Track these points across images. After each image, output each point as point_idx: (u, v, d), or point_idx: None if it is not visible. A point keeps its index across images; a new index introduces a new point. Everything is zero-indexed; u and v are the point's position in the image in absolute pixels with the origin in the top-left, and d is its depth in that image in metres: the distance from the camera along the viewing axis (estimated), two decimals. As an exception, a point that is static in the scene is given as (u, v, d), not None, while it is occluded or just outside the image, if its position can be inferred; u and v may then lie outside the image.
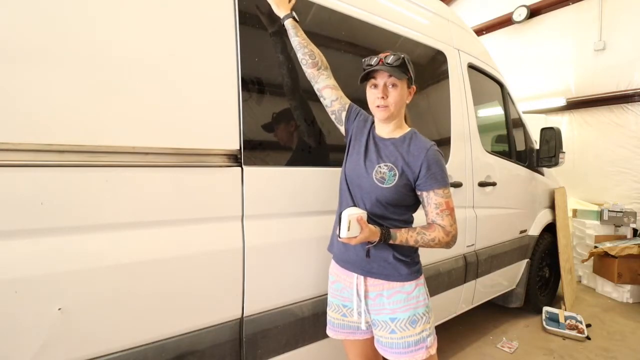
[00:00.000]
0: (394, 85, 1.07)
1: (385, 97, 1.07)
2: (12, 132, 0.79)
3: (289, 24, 1.23)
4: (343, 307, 1.20)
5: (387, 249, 1.09)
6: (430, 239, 1.05)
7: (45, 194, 0.82)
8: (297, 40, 1.23)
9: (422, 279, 1.15)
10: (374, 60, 1.07)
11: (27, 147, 0.80)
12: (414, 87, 1.13)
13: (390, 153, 1.11)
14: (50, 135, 0.83)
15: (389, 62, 1.05)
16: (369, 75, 1.09)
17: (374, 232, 1.02)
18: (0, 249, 0.78)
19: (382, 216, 1.10)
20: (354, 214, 0.99)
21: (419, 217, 1.17)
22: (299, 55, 1.24)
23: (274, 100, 1.28)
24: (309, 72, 1.25)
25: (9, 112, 0.78)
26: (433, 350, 1.10)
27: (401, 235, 1.06)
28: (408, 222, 1.14)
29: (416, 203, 1.13)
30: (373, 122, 1.19)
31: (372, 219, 1.09)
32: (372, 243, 1.05)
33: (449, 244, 1.08)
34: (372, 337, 1.19)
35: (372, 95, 1.10)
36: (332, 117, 1.26)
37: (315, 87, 1.26)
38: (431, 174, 1.05)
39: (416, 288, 1.11)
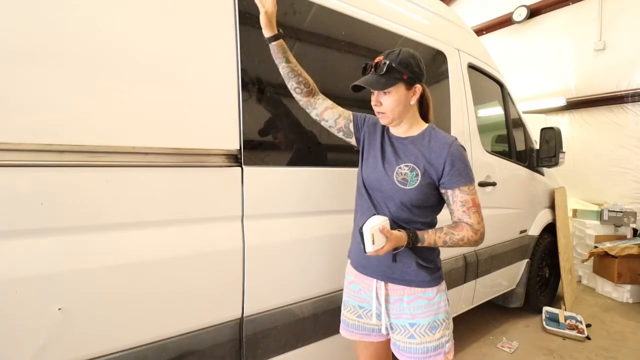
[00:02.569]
0: (386, 92, 1.03)
1: (379, 105, 1.05)
2: (12, 132, 0.79)
3: (277, 46, 1.10)
4: (359, 309, 1.17)
5: (410, 256, 1.05)
6: (459, 238, 1.01)
7: (45, 194, 0.82)
8: (289, 67, 1.12)
9: (443, 285, 1.12)
10: (367, 68, 1.05)
11: (27, 147, 0.80)
12: (418, 86, 1.05)
13: (409, 152, 1.06)
14: (50, 135, 0.83)
15: (377, 71, 1.01)
16: None
17: (400, 238, 0.98)
18: (1, 249, 0.78)
19: (407, 220, 1.05)
20: (375, 226, 0.94)
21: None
22: (292, 84, 1.14)
23: (274, 100, 1.28)
24: (304, 100, 1.18)
25: (9, 112, 0.78)
26: (450, 356, 1.09)
27: (429, 237, 1.01)
28: (432, 225, 1.10)
29: (440, 202, 1.09)
30: (383, 126, 1.17)
31: (397, 223, 1.05)
32: (399, 249, 1.01)
33: (477, 242, 1.04)
34: (386, 340, 1.17)
35: (372, 101, 1.08)
36: (340, 134, 1.20)
37: (314, 114, 1.20)
38: (456, 171, 1.01)
39: (437, 294, 1.08)
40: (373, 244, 0.93)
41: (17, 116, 0.80)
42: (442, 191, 1.05)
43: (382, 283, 1.09)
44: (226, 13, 1.13)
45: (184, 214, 1.04)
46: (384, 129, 1.15)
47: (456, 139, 1.06)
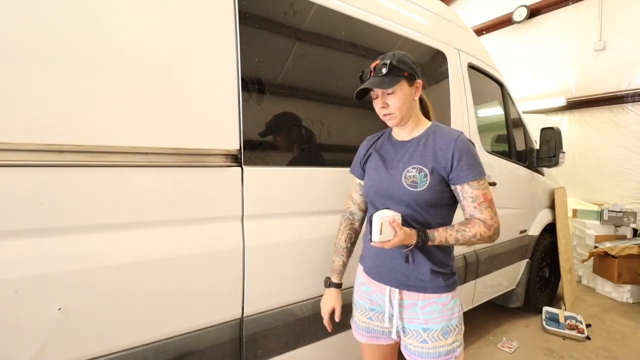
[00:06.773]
0: (390, 92, 1.03)
1: (386, 106, 1.04)
2: (12, 132, 0.79)
3: (335, 282, 1.21)
4: (370, 311, 1.15)
5: (426, 263, 1.04)
6: (471, 235, 0.99)
7: (45, 194, 0.82)
8: (351, 249, 1.25)
9: (457, 290, 1.11)
10: (365, 74, 1.06)
11: (27, 147, 0.80)
12: (419, 81, 1.06)
13: (415, 154, 1.05)
14: (50, 135, 0.83)
15: (378, 73, 1.01)
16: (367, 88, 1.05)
17: (409, 235, 0.96)
18: (0, 249, 0.78)
19: (424, 222, 1.03)
20: (386, 217, 0.93)
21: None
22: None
23: (274, 100, 1.28)
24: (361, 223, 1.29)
25: (9, 112, 0.78)
26: (461, 359, 1.09)
27: (439, 235, 0.99)
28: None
29: (456, 201, 1.07)
30: (378, 138, 1.18)
31: (413, 226, 1.02)
32: (409, 247, 0.99)
33: (492, 238, 1.02)
34: (395, 343, 1.16)
35: (376, 106, 1.07)
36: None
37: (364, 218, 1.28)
38: (464, 165, 0.99)
39: (452, 300, 1.07)
40: (380, 234, 0.92)
41: (17, 116, 0.79)
42: (452, 187, 1.03)
43: (397, 290, 1.08)
44: (226, 13, 1.13)
45: (184, 214, 1.04)
46: (379, 141, 1.17)
47: (462, 133, 1.05)
